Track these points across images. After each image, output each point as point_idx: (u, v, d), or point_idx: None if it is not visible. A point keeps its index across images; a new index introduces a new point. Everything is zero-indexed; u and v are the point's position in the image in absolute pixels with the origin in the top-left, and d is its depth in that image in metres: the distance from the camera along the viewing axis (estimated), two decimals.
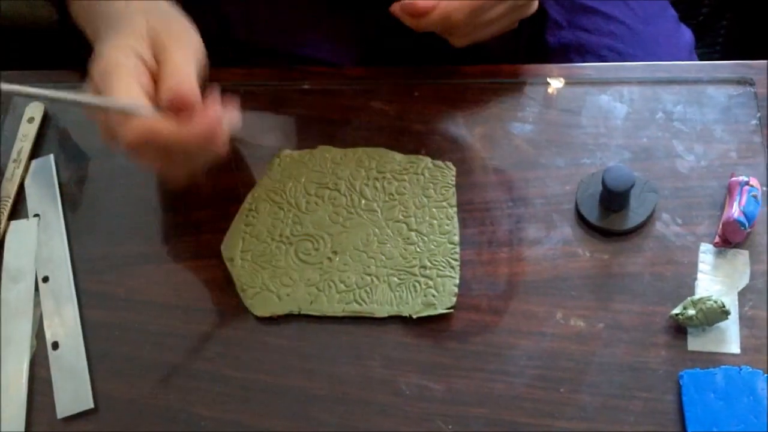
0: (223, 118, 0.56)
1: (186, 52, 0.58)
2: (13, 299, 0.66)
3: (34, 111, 0.74)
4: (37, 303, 0.66)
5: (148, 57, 0.57)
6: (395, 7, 0.67)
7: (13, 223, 0.69)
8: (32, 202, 0.70)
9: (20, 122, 0.73)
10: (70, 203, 0.70)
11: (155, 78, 0.57)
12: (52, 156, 0.72)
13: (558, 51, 0.85)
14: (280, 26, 0.78)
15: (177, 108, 0.54)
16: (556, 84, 0.73)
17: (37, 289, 0.66)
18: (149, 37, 0.58)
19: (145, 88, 0.55)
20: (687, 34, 0.89)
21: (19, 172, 0.71)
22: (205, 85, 0.57)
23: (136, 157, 0.57)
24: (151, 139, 0.54)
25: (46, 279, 0.67)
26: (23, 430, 0.61)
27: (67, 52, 0.72)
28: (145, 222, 0.69)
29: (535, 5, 0.72)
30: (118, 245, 0.68)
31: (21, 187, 0.71)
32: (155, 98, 0.55)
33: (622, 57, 0.83)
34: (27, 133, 0.73)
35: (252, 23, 0.78)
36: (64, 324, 0.65)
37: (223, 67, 0.64)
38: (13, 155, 0.72)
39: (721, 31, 1.19)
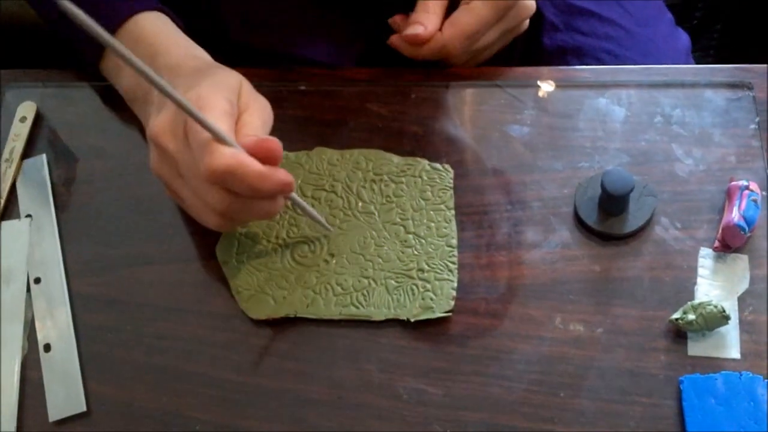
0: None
1: (265, 121, 0.60)
2: (4, 301, 0.65)
3: (27, 110, 0.73)
4: (28, 305, 0.65)
5: (235, 107, 0.58)
6: (394, 39, 0.71)
7: (4, 223, 0.68)
8: (24, 203, 0.69)
9: (12, 121, 0.72)
10: (62, 204, 0.69)
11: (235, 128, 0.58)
12: (44, 156, 0.71)
13: (554, 53, 0.85)
14: (278, 27, 0.78)
15: (261, 153, 0.55)
16: (552, 87, 0.72)
17: (28, 290, 0.65)
18: (237, 92, 0.59)
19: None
20: (684, 37, 0.89)
21: (11, 172, 0.70)
22: None
23: (205, 190, 0.57)
24: (239, 173, 0.54)
25: (38, 280, 0.66)
26: None
27: (64, 52, 0.72)
28: (139, 223, 0.68)
29: (527, 24, 0.74)
30: (111, 247, 0.67)
31: (13, 188, 0.70)
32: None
33: (619, 60, 0.82)
34: (19, 132, 0.72)
35: (250, 25, 0.78)
36: (57, 326, 0.64)
37: None
38: (5, 155, 0.71)
39: (715, 35, 1.19)
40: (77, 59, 0.71)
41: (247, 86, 0.61)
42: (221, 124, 0.55)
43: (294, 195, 0.62)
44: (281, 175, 0.56)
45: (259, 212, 0.59)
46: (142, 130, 0.71)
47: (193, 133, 0.55)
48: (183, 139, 0.56)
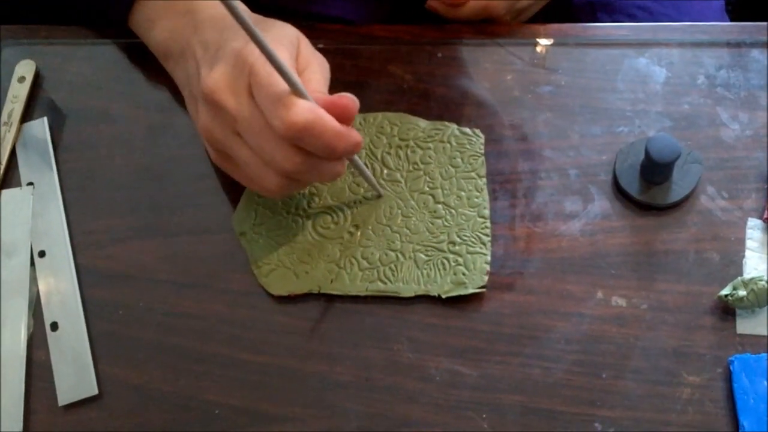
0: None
1: (327, 78, 0.56)
2: (7, 276, 0.61)
3: (25, 70, 0.68)
4: (33, 280, 0.61)
5: (295, 62, 0.54)
6: (432, 2, 0.68)
7: (4, 192, 0.64)
8: (25, 170, 0.65)
9: (10, 81, 0.68)
10: (66, 171, 0.65)
11: None
12: (45, 119, 0.67)
13: (584, 9, 0.80)
14: None
15: (336, 110, 0.52)
16: (588, 45, 0.68)
17: (32, 264, 0.61)
18: (296, 47, 0.55)
19: None
20: None
21: (10, 136, 0.65)
22: None
23: (273, 147, 0.52)
24: (317, 129, 0.50)
25: (42, 254, 0.61)
26: (21, 418, 0.56)
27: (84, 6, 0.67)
28: (149, 191, 0.64)
29: None
30: (119, 217, 0.63)
31: (12, 153, 0.65)
32: None
33: (653, 16, 0.78)
34: (18, 93, 0.67)
35: None
36: (64, 303, 0.60)
37: None
38: (3, 118, 0.66)
39: None
40: (102, 14, 0.66)
41: (305, 41, 0.57)
42: None
43: (355, 155, 0.58)
44: (355, 135, 0.52)
45: (326, 173, 0.55)
46: (150, 91, 0.67)
47: (264, 86, 0.50)
48: (244, 94, 0.52)
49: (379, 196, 0.62)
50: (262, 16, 0.59)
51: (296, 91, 0.50)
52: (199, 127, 0.56)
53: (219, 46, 0.54)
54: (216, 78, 0.53)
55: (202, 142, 0.58)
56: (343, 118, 0.51)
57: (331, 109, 0.51)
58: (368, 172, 0.60)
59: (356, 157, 0.58)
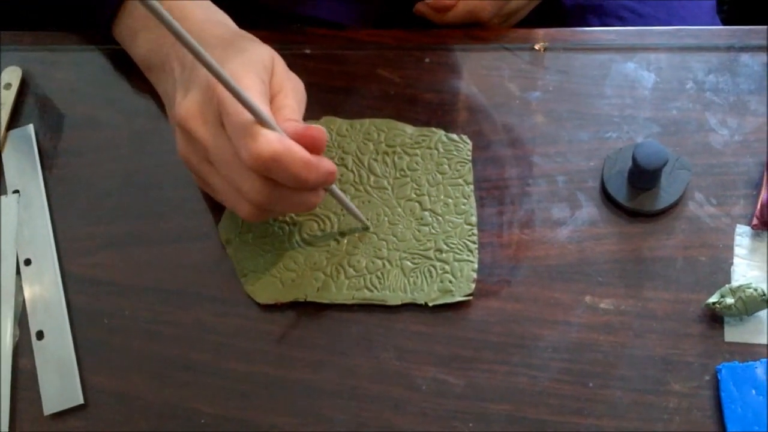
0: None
1: (300, 102, 0.55)
2: None
3: (11, 76, 0.68)
4: (18, 288, 0.61)
5: (268, 87, 0.53)
6: (420, 6, 0.68)
7: None
8: (11, 177, 0.65)
9: None
10: (52, 178, 0.65)
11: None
12: (31, 126, 0.66)
13: (574, 12, 0.80)
14: None
15: (304, 141, 0.51)
16: (576, 50, 0.67)
17: (18, 273, 0.61)
18: (270, 70, 0.54)
19: None
20: None
21: None
22: None
23: (241, 178, 0.51)
24: (285, 160, 0.49)
25: (28, 262, 0.61)
26: (6, 427, 0.56)
27: (70, 15, 0.67)
28: (135, 199, 0.63)
29: None
30: (106, 224, 0.63)
31: None
32: None
33: (643, 19, 0.78)
34: (4, 100, 0.67)
35: None
36: (49, 311, 0.60)
37: None
38: None
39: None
40: (86, 22, 0.65)
41: (280, 63, 0.56)
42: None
43: (333, 186, 0.57)
44: (327, 164, 0.51)
45: (299, 204, 0.54)
46: (137, 97, 0.67)
47: (232, 116, 0.49)
48: (214, 123, 0.51)
49: (366, 228, 0.61)
50: (242, 33, 0.59)
51: (262, 122, 0.49)
52: (178, 153, 0.56)
53: (194, 65, 0.54)
54: (187, 106, 0.52)
55: None
56: (312, 148, 0.51)
57: (299, 140, 0.50)
58: (351, 204, 0.59)
59: (336, 189, 0.57)
